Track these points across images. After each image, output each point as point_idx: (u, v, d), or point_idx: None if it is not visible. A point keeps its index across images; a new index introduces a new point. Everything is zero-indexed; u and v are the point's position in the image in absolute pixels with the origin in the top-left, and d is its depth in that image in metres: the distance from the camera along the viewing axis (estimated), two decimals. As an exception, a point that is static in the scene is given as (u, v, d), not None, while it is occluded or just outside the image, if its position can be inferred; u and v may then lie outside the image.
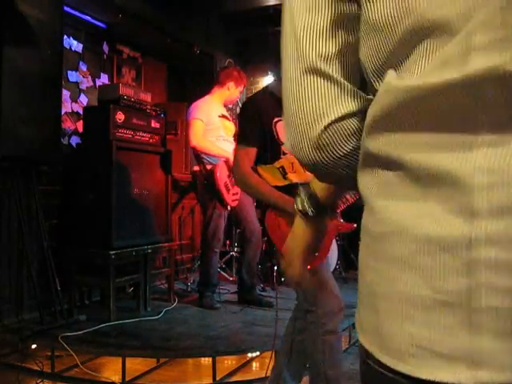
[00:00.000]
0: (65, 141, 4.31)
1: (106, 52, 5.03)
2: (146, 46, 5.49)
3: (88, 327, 3.19)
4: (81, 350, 2.89)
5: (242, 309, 3.80)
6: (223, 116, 3.98)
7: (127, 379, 2.80)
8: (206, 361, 3.02)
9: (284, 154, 2.15)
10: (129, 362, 2.88)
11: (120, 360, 2.86)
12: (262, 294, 4.27)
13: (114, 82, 5.07)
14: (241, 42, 6.51)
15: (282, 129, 2.15)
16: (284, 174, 2.14)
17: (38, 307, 3.29)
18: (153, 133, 3.93)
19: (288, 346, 2.27)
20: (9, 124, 3.00)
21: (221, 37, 6.03)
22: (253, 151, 2.13)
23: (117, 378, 2.83)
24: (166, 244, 4.05)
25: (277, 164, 2.15)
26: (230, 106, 4.13)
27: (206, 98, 4.02)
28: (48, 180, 3.68)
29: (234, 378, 2.61)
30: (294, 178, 2.12)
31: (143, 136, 3.84)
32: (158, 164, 3.98)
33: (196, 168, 3.98)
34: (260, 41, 6.32)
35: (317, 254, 2.15)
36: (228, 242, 5.09)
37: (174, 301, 4.01)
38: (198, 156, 3.92)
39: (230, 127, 4.04)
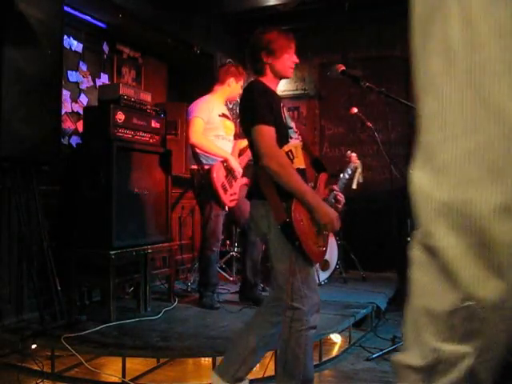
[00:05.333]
0: (65, 141, 4.31)
1: (106, 52, 5.03)
2: (145, 45, 5.49)
3: (88, 327, 3.19)
4: (81, 349, 2.89)
5: (242, 309, 3.79)
6: (224, 115, 3.97)
7: (127, 379, 2.80)
8: (206, 361, 3.02)
9: (291, 137, 2.18)
10: (129, 362, 2.88)
11: (120, 360, 2.86)
12: (262, 293, 4.27)
13: (114, 81, 5.07)
14: (241, 42, 6.52)
15: (285, 113, 2.18)
16: (292, 159, 2.15)
17: (38, 307, 3.29)
18: (153, 133, 3.93)
19: (255, 339, 2.30)
20: (9, 124, 3.00)
21: (221, 37, 6.03)
22: (274, 130, 2.10)
23: (117, 377, 2.83)
24: (166, 244, 4.05)
25: (286, 148, 2.15)
26: (231, 106, 4.12)
27: (207, 96, 4.01)
28: (48, 180, 3.67)
29: (234, 378, 2.61)
30: (297, 163, 2.17)
31: (143, 136, 3.84)
32: (158, 164, 3.98)
33: (194, 166, 3.97)
34: (260, 41, 6.33)
35: (324, 248, 2.19)
36: (228, 241, 5.09)
37: (174, 301, 4.01)
38: (195, 155, 3.91)
39: (231, 127, 4.04)
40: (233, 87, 3.98)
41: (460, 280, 0.43)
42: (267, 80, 2.27)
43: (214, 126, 3.89)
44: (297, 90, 6.52)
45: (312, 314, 2.14)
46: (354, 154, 2.97)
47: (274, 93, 2.25)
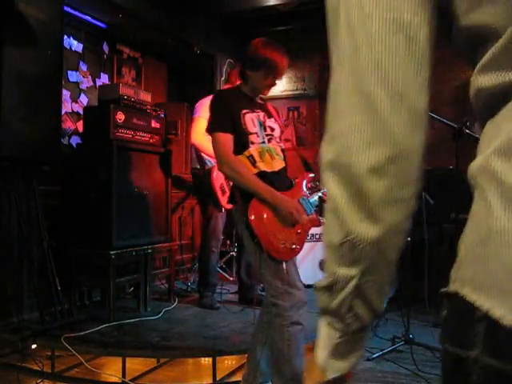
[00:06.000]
0: (65, 141, 4.31)
1: (106, 52, 5.03)
2: (145, 45, 5.49)
3: (88, 327, 3.19)
4: (81, 349, 2.89)
5: (242, 309, 3.79)
6: None
7: (127, 379, 2.80)
8: (206, 361, 3.02)
9: (252, 143, 2.23)
10: (129, 362, 2.88)
11: (120, 360, 2.86)
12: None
13: (114, 81, 5.07)
14: (241, 42, 6.52)
15: (248, 120, 2.25)
16: (253, 163, 2.22)
17: (38, 307, 3.28)
18: (153, 133, 3.93)
19: (263, 338, 2.34)
20: (9, 124, 3.00)
21: (221, 37, 6.02)
22: (231, 138, 2.20)
23: (117, 377, 2.83)
24: (166, 244, 4.05)
25: (246, 153, 2.23)
26: None
27: None
28: (48, 180, 3.68)
29: (234, 378, 2.62)
30: (262, 166, 2.22)
31: (143, 136, 3.84)
32: (158, 164, 3.98)
33: (197, 167, 3.99)
34: (260, 41, 6.33)
35: (294, 246, 2.21)
36: (228, 241, 5.09)
37: (174, 301, 4.01)
38: (199, 156, 3.92)
39: None
40: None
41: (344, 220, 0.60)
42: (247, 89, 2.35)
43: None
44: (297, 89, 6.52)
45: (295, 309, 2.15)
46: None
47: (238, 100, 2.29)
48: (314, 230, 4.80)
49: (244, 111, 2.25)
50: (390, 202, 0.58)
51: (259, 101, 2.41)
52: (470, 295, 0.50)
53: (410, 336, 3.36)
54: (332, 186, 0.60)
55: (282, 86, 6.56)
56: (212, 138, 2.23)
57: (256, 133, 2.25)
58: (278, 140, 2.37)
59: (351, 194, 0.58)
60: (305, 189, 2.34)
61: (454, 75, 5.63)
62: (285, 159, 2.38)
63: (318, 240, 4.77)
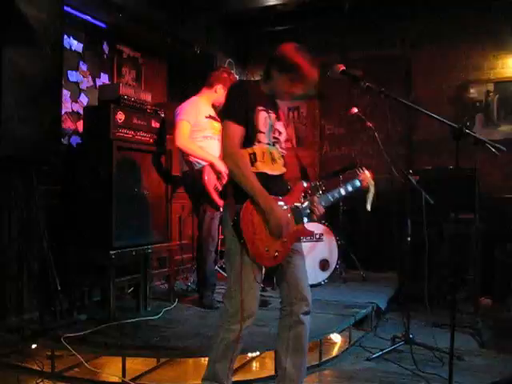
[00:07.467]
0: (65, 141, 4.30)
1: (106, 52, 5.03)
2: (146, 45, 5.49)
3: (88, 327, 3.19)
4: (81, 349, 2.90)
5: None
6: (211, 117, 4.00)
7: (127, 379, 2.80)
8: (206, 361, 3.02)
9: (259, 142, 2.19)
10: (129, 361, 2.88)
11: (120, 360, 2.86)
12: (263, 294, 4.27)
13: (114, 81, 5.07)
14: (241, 42, 6.52)
15: (261, 118, 2.18)
16: (253, 162, 2.18)
17: (38, 307, 3.28)
18: (153, 133, 3.93)
19: (285, 343, 2.33)
20: (9, 124, 3.00)
21: (221, 37, 6.03)
22: (242, 130, 2.14)
23: (117, 377, 2.83)
24: (166, 244, 4.05)
25: (250, 150, 2.18)
26: (217, 106, 4.11)
27: (194, 98, 4.02)
28: (48, 180, 3.67)
29: (234, 378, 2.61)
30: (261, 167, 2.18)
31: (143, 136, 3.83)
32: (158, 164, 3.98)
33: (186, 168, 3.96)
34: (260, 41, 6.34)
35: (276, 254, 2.18)
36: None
37: (174, 301, 4.01)
38: (187, 160, 3.92)
39: (218, 128, 4.05)
40: (219, 93, 3.99)
41: None
42: (267, 87, 2.28)
43: (201, 127, 3.91)
44: (297, 89, 6.52)
45: (237, 318, 2.15)
46: (368, 173, 2.79)
47: (257, 95, 2.22)
48: (314, 230, 4.80)
49: (260, 108, 2.19)
50: None
51: (275, 102, 2.35)
52: None
53: (410, 336, 3.36)
54: None
55: (282, 86, 6.57)
56: (223, 125, 2.18)
57: (264, 133, 2.21)
58: (282, 145, 2.34)
59: None
60: (299, 196, 2.30)
61: (454, 75, 5.63)
62: (285, 165, 2.35)
63: (318, 240, 4.77)
